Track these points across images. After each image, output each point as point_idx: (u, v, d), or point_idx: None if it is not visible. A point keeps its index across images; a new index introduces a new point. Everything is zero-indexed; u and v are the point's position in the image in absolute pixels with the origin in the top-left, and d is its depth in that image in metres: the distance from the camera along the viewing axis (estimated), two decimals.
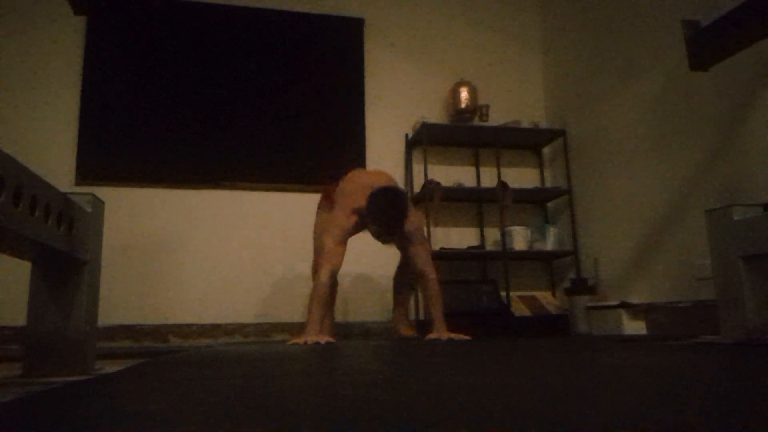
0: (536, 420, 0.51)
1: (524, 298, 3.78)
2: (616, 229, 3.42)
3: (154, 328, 3.35)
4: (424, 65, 4.10)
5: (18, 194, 0.96)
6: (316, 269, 2.72)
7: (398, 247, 2.86)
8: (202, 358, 1.58)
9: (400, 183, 3.85)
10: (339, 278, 2.97)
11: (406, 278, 3.04)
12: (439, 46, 4.18)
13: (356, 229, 2.62)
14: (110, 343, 3.25)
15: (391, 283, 3.19)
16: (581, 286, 3.52)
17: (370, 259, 3.56)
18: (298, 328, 3.53)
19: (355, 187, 2.64)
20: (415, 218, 2.65)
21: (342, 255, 2.55)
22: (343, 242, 2.57)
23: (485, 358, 1.36)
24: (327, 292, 2.49)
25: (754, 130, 2.51)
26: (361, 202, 2.53)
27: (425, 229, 3.58)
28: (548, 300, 3.82)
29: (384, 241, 2.66)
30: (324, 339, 2.38)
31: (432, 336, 2.62)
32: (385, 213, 2.42)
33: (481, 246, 3.88)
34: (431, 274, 2.66)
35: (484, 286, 3.55)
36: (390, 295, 3.35)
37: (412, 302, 3.72)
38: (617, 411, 0.55)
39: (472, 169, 4.06)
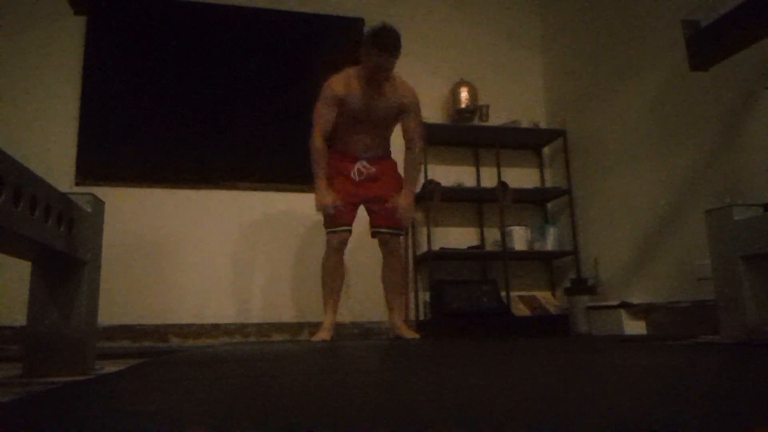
0: (536, 420, 0.51)
1: (524, 298, 3.78)
2: (616, 229, 3.42)
3: (154, 328, 3.35)
4: (424, 65, 4.10)
5: (18, 194, 0.96)
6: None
7: (369, 205, 2.94)
8: (202, 358, 1.58)
9: None
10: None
11: (389, 276, 3.03)
12: (439, 46, 4.18)
13: (347, 95, 2.75)
14: (110, 343, 3.25)
15: None
16: (581, 286, 3.52)
17: (369, 259, 3.56)
18: (299, 328, 3.53)
19: (344, 74, 2.82)
20: (411, 89, 2.86)
21: (331, 117, 2.77)
22: (331, 106, 2.75)
23: (485, 358, 1.36)
24: (321, 153, 2.76)
25: (754, 130, 2.51)
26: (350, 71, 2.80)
27: (425, 229, 3.58)
28: (548, 300, 3.82)
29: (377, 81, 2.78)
30: (331, 198, 2.72)
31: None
32: (383, 31, 2.63)
33: (481, 246, 3.88)
34: (419, 143, 2.87)
35: (484, 286, 3.55)
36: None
37: (412, 302, 3.72)
38: (617, 411, 0.55)
39: (472, 169, 4.06)
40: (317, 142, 2.77)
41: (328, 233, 2.83)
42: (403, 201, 2.80)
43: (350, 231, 2.85)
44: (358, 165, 2.86)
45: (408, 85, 2.86)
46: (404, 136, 2.88)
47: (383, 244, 2.89)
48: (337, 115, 2.78)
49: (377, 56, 2.63)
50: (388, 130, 2.95)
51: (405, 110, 2.82)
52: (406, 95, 2.81)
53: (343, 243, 2.83)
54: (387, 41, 2.62)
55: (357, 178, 2.85)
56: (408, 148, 2.88)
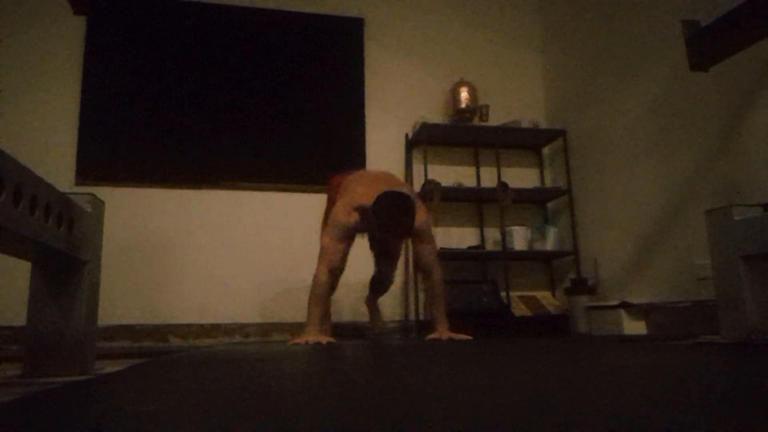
0: (536, 420, 0.51)
1: (524, 298, 3.78)
2: (616, 229, 3.42)
3: (154, 328, 3.35)
4: (424, 65, 4.10)
5: (18, 194, 0.97)
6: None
7: (376, 254, 2.92)
8: (202, 358, 1.58)
9: None
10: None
11: (376, 288, 3.06)
12: (439, 46, 4.18)
13: (357, 228, 2.54)
14: (110, 343, 3.25)
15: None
16: (581, 286, 3.52)
17: (368, 259, 3.55)
18: (298, 329, 3.53)
19: (360, 185, 2.55)
20: (423, 216, 2.57)
21: (342, 253, 2.49)
22: (343, 240, 2.49)
23: (485, 358, 1.36)
24: (325, 291, 2.47)
25: (754, 130, 2.51)
26: (365, 200, 2.45)
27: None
28: (548, 300, 3.82)
29: (378, 251, 2.69)
30: (324, 339, 2.38)
31: (433, 336, 2.62)
32: (392, 216, 2.33)
33: (481, 246, 3.88)
34: (437, 272, 2.60)
35: (484, 286, 3.55)
36: (388, 296, 3.36)
37: (411, 302, 3.72)
38: (617, 411, 0.55)
39: (472, 169, 4.06)
40: (323, 278, 2.44)
41: (327, 247, 2.52)
42: (442, 334, 2.57)
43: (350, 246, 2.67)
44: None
45: (422, 210, 2.58)
46: (418, 264, 2.64)
47: (427, 274, 2.68)
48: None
49: (387, 234, 2.42)
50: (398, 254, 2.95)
51: (417, 235, 2.57)
52: (418, 220, 2.53)
53: (343, 260, 2.55)
54: (399, 232, 2.38)
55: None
56: (425, 277, 2.64)
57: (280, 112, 3.79)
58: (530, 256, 3.87)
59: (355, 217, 2.49)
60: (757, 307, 1.75)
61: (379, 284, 3.03)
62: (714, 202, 2.66)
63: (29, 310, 1.30)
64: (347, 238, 2.52)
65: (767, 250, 1.69)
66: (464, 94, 3.86)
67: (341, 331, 3.53)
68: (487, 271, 3.91)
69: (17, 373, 1.31)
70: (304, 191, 3.66)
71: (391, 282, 3.01)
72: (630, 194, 3.30)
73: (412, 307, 3.74)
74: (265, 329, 3.50)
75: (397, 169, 3.89)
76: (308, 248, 3.60)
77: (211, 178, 3.60)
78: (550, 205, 4.11)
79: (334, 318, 3.39)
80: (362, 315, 3.64)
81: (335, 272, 2.52)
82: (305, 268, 3.58)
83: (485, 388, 0.76)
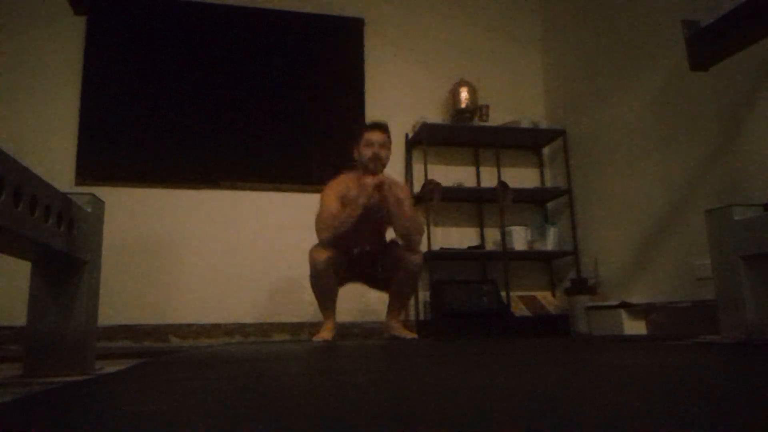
0: (536, 420, 0.51)
1: (524, 298, 3.78)
2: (616, 229, 3.42)
3: (154, 328, 3.35)
4: (424, 65, 4.10)
5: (18, 194, 0.96)
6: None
7: (375, 281, 2.97)
8: (202, 358, 1.58)
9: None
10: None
11: (400, 286, 3.02)
12: (439, 46, 4.18)
13: (349, 190, 2.76)
14: (110, 343, 3.25)
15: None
16: (581, 286, 3.52)
17: None
18: (298, 328, 3.53)
19: (342, 176, 2.87)
20: (402, 186, 2.91)
21: (337, 210, 2.70)
22: (339, 199, 2.74)
23: (485, 358, 1.36)
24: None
25: (754, 130, 2.51)
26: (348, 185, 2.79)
27: (425, 229, 3.58)
28: (548, 300, 3.82)
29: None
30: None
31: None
32: (367, 125, 2.84)
33: (481, 246, 3.88)
34: (418, 253, 2.80)
35: (484, 286, 3.54)
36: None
37: (412, 302, 3.72)
38: (617, 411, 0.55)
39: (472, 169, 4.06)
40: (320, 255, 2.68)
41: (318, 248, 2.71)
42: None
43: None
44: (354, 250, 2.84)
45: (401, 183, 2.98)
46: (397, 227, 2.80)
47: (398, 260, 2.78)
48: None
49: (369, 137, 2.77)
50: (383, 235, 2.96)
51: (398, 201, 2.74)
52: (399, 188, 2.81)
53: (329, 263, 2.69)
54: (374, 122, 2.85)
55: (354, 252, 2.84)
56: (401, 255, 2.79)
57: (280, 112, 3.79)
58: (530, 256, 3.87)
59: (340, 185, 2.78)
60: (757, 307, 1.75)
61: (399, 270, 2.88)
62: (714, 202, 2.66)
63: (29, 310, 1.30)
64: (339, 200, 2.73)
65: (767, 250, 1.69)
66: (464, 94, 3.86)
67: (346, 330, 3.53)
68: (487, 271, 3.91)
69: (17, 373, 1.31)
70: (303, 191, 3.66)
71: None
72: (630, 194, 3.30)
73: (412, 307, 3.74)
74: (265, 329, 3.50)
75: (397, 169, 3.88)
76: (308, 248, 3.59)
77: (211, 178, 3.60)
78: (550, 205, 4.10)
79: (338, 318, 3.39)
80: (362, 315, 3.64)
81: (338, 237, 2.66)
82: (305, 267, 3.57)
83: (485, 389, 0.76)
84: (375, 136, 2.77)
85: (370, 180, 2.66)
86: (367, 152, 2.76)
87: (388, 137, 2.83)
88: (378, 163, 2.76)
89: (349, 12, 4.04)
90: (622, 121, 3.39)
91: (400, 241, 2.82)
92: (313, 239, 2.76)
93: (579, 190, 3.80)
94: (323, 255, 2.67)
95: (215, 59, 3.77)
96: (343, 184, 2.80)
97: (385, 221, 2.84)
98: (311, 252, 2.72)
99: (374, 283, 2.97)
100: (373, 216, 2.76)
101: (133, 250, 3.41)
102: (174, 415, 0.60)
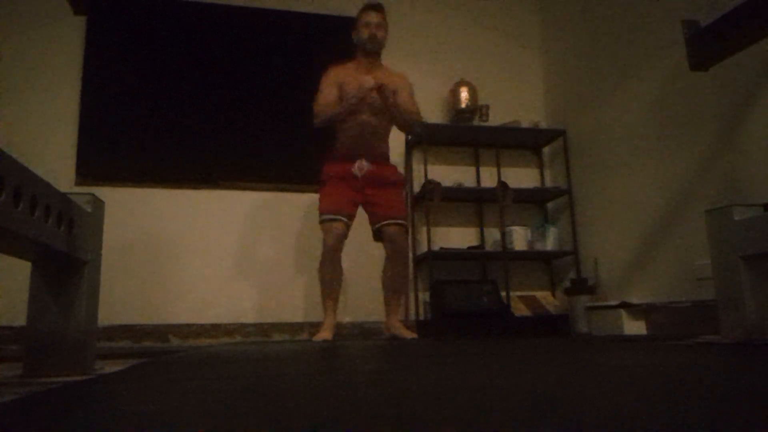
0: (536, 420, 0.51)
1: (524, 298, 3.78)
2: (616, 229, 3.42)
3: (154, 328, 3.35)
4: (424, 65, 4.10)
5: (18, 194, 0.96)
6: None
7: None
8: (202, 358, 1.58)
9: None
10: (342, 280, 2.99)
11: (393, 277, 3.02)
12: (439, 46, 4.18)
13: (344, 79, 2.91)
14: (110, 343, 3.25)
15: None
16: (581, 286, 3.52)
17: (368, 260, 3.56)
18: (298, 328, 3.53)
19: (346, 63, 3.01)
20: (401, 75, 3.04)
21: (331, 92, 2.88)
22: (331, 85, 2.90)
23: (485, 358, 1.36)
24: (327, 106, 2.88)
25: (754, 130, 2.51)
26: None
27: (425, 229, 3.58)
28: (548, 300, 3.82)
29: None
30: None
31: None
32: (365, 6, 2.93)
33: (481, 246, 3.88)
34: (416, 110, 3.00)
35: (484, 286, 3.54)
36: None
37: (412, 302, 3.72)
38: (617, 411, 0.55)
39: (472, 169, 4.06)
40: (319, 109, 2.88)
41: (324, 225, 2.82)
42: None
43: (347, 226, 2.83)
44: (357, 163, 2.89)
45: (399, 72, 3.08)
46: (396, 114, 2.97)
47: (390, 242, 2.87)
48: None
49: (365, 18, 2.90)
50: (386, 125, 2.99)
51: (399, 89, 2.95)
52: (398, 77, 3.02)
53: (340, 239, 2.80)
54: (370, 3, 2.96)
55: (358, 174, 2.87)
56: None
57: (280, 112, 3.78)
58: (530, 256, 3.87)
59: (338, 70, 2.95)
60: (757, 307, 1.75)
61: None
62: (714, 202, 2.66)
63: (29, 310, 1.30)
64: (336, 86, 2.90)
65: (767, 250, 1.69)
66: (464, 94, 3.86)
67: (343, 330, 3.52)
68: (487, 271, 3.91)
69: (17, 373, 1.31)
70: (303, 191, 3.66)
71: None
72: (630, 194, 3.30)
73: (412, 307, 3.74)
74: (265, 329, 3.50)
75: (397, 169, 3.88)
76: (308, 248, 3.59)
77: (211, 178, 3.60)
78: (550, 205, 4.10)
79: (338, 318, 3.39)
80: (363, 315, 3.64)
81: (327, 112, 2.87)
82: (305, 267, 3.58)
83: (485, 389, 0.76)
84: (371, 17, 2.91)
85: (369, 80, 2.81)
86: (364, 33, 2.90)
87: (384, 18, 2.96)
88: (375, 43, 2.91)
89: (349, 12, 4.03)
90: (622, 122, 3.39)
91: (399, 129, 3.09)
92: (314, 239, 2.77)
93: (579, 190, 3.80)
94: (333, 233, 2.77)
95: (215, 59, 3.77)
96: (343, 71, 2.95)
97: (382, 118, 3.00)
98: (322, 227, 2.84)
99: (375, 212, 2.96)
100: (369, 101, 2.91)
101: (133, 250, 3.41)
102: (174, 415, 0.60)
